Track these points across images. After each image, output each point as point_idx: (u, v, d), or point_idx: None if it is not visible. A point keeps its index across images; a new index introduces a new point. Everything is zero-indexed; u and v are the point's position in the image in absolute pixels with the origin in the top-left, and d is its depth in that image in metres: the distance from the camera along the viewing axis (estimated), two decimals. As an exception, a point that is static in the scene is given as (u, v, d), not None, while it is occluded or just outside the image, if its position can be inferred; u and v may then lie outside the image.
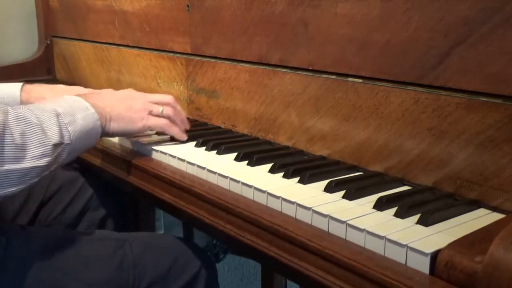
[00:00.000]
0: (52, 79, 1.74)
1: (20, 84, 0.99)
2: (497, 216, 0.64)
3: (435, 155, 0.70)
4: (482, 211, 0.65)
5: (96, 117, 0.79)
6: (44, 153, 0.68)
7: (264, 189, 0.70)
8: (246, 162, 0.83)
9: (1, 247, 0.71)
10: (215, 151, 0.88)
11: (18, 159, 0.66)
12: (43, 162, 0.68)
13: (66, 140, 0.73)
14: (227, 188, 0.76)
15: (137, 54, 1.30)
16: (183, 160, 0.84)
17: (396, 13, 0.73)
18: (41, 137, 0.68)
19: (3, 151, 0.64)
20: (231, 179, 0.75)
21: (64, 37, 1.65)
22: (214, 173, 0.78)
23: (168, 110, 0.90)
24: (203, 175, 0.80)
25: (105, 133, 0.84)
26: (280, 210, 0.68)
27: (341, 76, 0.82)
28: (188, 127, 0.95)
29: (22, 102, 0.96)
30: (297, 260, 0.60)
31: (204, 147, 0.91)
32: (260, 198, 0.70)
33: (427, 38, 0.70)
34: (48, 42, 1.73)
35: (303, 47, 0.87)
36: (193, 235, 1.73)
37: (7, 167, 0.65)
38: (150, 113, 0.88)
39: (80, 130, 0.75)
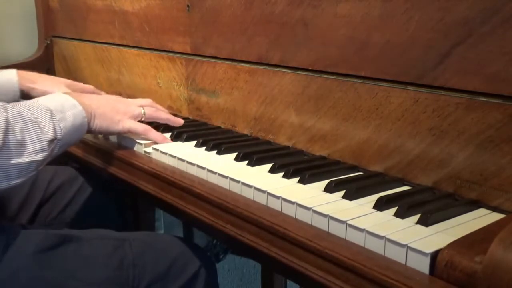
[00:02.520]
0: (52, 79, 1.74)
1: (14, 70, 1.07)
2: (497, 216, 0.64)
3: (435, 155, 0.70)
4: (482, 211, 0.65)
5: (83, 114, 0.83)
6: (41, 148, 0.73)
7: (264, 189, 0.70)
8: (246, 162, 0.83)
9: (1, 246, 0.71)
10: (215, 151, 0.88)
11: (19, 154, 0.71)
12: (40, 156, 0.73)
13: (59, 135, 0.77)
14: (227, 188, 0.76)
15: (137, 54, 1.30)
16: (183, 160, 0.84)
17: (396, 13, 0.73)
18: (38, 133, 0.73)
19: (8, 146, 0.69)
20: (231, 179, 0.75)
21: (64, 37, 1.65)
22: (214, 173, 0.78)
23: (149, 111, 0.97)
24: (203, 175, 0.80)
25: (89, 130, 0.88)
26: (280, 210, 0.68)
27: (341, 76, 0.82)
28: (174, 120, 1.01)
29: (20, 86, 1.06)
30: (297, 260, 0.60)
31: (204, 147, 0.91)
32: (260, 198, 0.70)
33: (427, 38, 0.70)
34: (48, 42, 1.73)
35: (303, 47, 0.87)
36: (193, 235, 1.73)
37: (12, 161, 0.70)
38: (133, 116, 0.93)
39: (70, 126, 0.80)
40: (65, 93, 0.87)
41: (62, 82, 1.17)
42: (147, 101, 1.01)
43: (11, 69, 1.08)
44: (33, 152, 0.72)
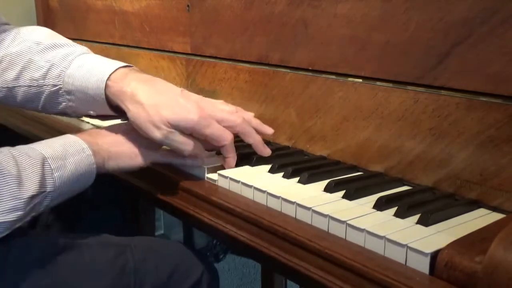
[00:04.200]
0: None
1: (110, 71, 0.81)
2: (497, 216, 0.64)
3: (435, 155, 0.70)
4: (482, 211, 0.65)
5: (91, 160, 0.74)
6: (15, 206, 0.63)
7: (264, 189, 0.70)
8: (246, 162, 0.83)
9: (1, 253, 0.71)
10: (215, 151, 0.88)
11: None
12: (12, 217, 0.63)
13: (50, 187, 0.68)
14: (227, 188, 0.76)
15: (137, 54, 1.30)
16: (183, 160, 0.84)
17: (396, 13, 0.73)
18: (14, 190, 0.63)
19: None
20: (231, 179, 0.75)
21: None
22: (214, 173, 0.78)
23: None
24: (203, 175, 0.80)
25: (104, 172, 0.78)
26: (280, 210, 0.68)
27: (341, 76, 0.82)
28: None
29: (107, 96, 0.81)
30: (297, 260, 0.60)
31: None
32: (260, 198, 0.70)
33: (427, 38, 0.70)
34: (48, 42, 1.73)
35: (303, 47, 0.87)
36: (193, 235, 1.73)
37: None
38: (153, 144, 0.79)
39: (69, 175, 0.71)
40: (81, 133, 0.78)
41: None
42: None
43: (108, 65, 0.82)
44: (3, 211, 0.62)
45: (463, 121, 0.67)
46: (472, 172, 0.67)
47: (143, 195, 0.87)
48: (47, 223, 1.03)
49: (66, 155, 0.71)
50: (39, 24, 1.75)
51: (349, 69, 0.81)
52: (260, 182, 0.72)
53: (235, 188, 0.74)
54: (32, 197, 0.65)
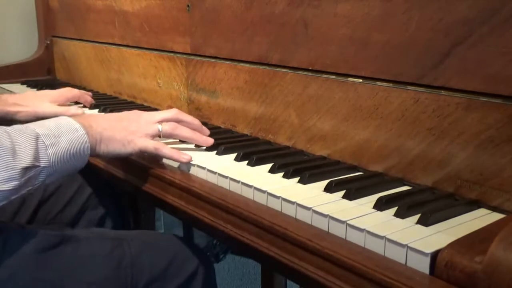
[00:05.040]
0: (52, 79, 1.74)
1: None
2: (497, 216, 0.64)
3: (435, 155, 0.70)
4: (482, 211, 0.65)
5: (85, 139, 0.77)
6: (11, 176, 0.66)
7: (264, 189, 0.70)
8: (246, 162, 0.83)
9: None
10: (215, 151, 0.88)
11: None
12: (9, 186, 0.67)
13: (44, 162, 0.71)
14: (227, 188, 0.76)
15: (137, 54, 1.30)
16: (183, 160, 0.84)
17: (396, 13, 0.73)
18: (9, 160, 0.66)
19: None
20: (231, 179, 0.75)
21: (64, 37, 1.65)
22: (214, 173, 0.78)
23: (167, 128, 0.86)
24: (203, 175, 0.80)
25: (96, 155, 0.82)
26: (280, 210, 0.68)
27: (341, 76, 0.82)
28: (207, 132, 0.93)
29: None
30: (297, 260, 0.60)
31: (204, 147, 0.91)
32: (260, 198, 0.70)
33: (427, 38, 0.70)
34: (48, 42, 1.73)
35: (303, 47, 0.87)
36: (193, 235, 1.73)
37: None
38: (147, 135, 0.84)
39: (63, 152, 0.73)
40: (74, 115, 0.81)
41: (46, 96, 1.15)
42: (170, 113, 0.89)
43: None
44: (0, 180, 0.66)
45: (463, 121, 0.67)
46: (472, 172, 0.67)
47: (143, 195, 0.87)
48: (45, 222, 1.03)
49: (59, 133, 0.74)
50: (39, 24, 1.75)
51: (349, 69, 0.81)
52: (260, 182, 0.72)
53: (235, 188, 0.74)
54: (26, 169, 0.68)
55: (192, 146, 0.92)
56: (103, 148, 0.81)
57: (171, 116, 0.88)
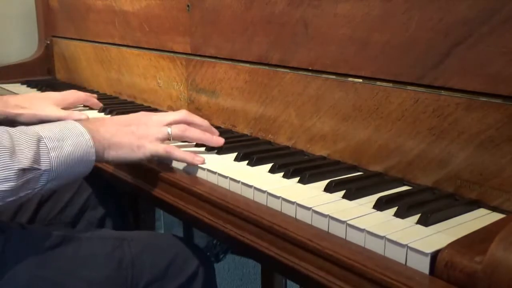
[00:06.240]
0: (52, 79, 1.74)
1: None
2: (497, 216, 0.64)
3: (435, 155, 0.70)
4: (482, 211, 0.65)
5: (90, 144, 0.74)
6: (7, 177, 0.65)
7: (264, 189, 0.70)
8: (246, 162, 0.83)
9: (0, 246, 0.71)
10: (215, 151, 0.88)
11: None
12: (5, 186, 0.65)
13: (45, 165, 0.69)
14: (227, 188, 0.76)
15: (137, 54, 1.30)
16: (183, 160, 0.84)
17: (396, 13, 0.73)
18: (6, 160, 0.65)
19: None
20: (231, 179, 0.75)
21: (64, 37, 1.65)
22: (214, 173, 0.78)
23: (176, 130, 0.84)
24: (203, 175, 0.80)
25: (104, 161, 0.80)
26: (280, 210, 0.68)
27: (341, 76, 0.82)
28: (217, 132, 0.91)
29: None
30: (297, 260, 0.60)
31: (204, 147, 0.91)
32: (260, 198, 0.70)
33: (427, 38, 0.70)
34: (48, 42, 1.73)
35: (303, 47, 0.87)
36: (193, 235, 1.73)
37: None
38: (157, 139, 0.82)
39: (66, 156, 0.71)
40: (80, 119, 0.79)
41: (50, 99, 1.13)
42: (179, 115, 0.86)
43: None
44: None
45: (463, 121, 0.67)
46: (472, 172, 0.67)
47: (143, 195, 0.87)
48: (45, 222, 1.03)
49: (63, 137, 0.72)
50: (39, 24, 1.75)
51: (349, 69, 0.81)
52: (260, 182, 0.72)
53: (235, 188, 0.74)
54: (24, 170, 0.66)
55: (193, 145, 0.92)
56: (112, 154, 0.78)
57: (180, 118, 0.86)
